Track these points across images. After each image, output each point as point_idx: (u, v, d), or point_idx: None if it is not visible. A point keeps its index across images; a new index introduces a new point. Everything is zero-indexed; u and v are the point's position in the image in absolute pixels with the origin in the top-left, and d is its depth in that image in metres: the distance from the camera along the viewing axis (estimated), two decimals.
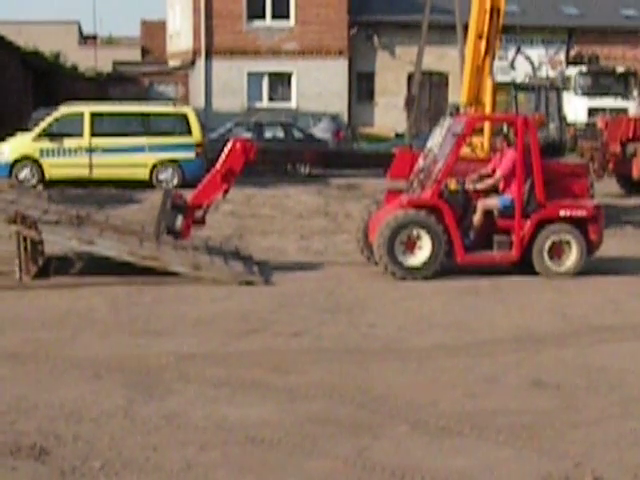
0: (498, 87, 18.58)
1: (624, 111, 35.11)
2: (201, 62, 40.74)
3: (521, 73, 38.60)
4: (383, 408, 7.77)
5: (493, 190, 13.85)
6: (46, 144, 23.93)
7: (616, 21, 44.13)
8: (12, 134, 25.58)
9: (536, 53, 42.01)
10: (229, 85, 40.77)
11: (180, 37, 43.84)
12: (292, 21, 41.10)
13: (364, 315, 11.24)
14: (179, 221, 13.72)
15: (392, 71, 42.35)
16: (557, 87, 23.42)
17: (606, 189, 23.47)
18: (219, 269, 13.19)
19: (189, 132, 24.42)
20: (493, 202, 13.64)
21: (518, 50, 38.22)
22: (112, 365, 8.91)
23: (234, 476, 6.39)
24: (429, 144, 14.74)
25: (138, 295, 12.14)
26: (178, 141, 24.32)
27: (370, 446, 6.89)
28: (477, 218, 13.60)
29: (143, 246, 13.32)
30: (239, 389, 8.22)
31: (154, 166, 24.22)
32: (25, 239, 12.68)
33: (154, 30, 59.15)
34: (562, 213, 13.54)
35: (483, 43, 17.40)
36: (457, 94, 21.64)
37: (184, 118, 24.64)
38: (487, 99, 17.45)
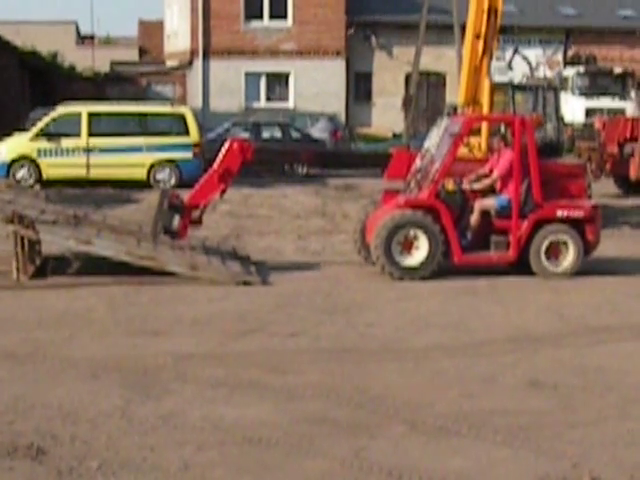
0: (496, 87, 18.58)
1: (621, 111, 35.13)
2: (199, 62, 40.72)
3: (519, 73, 38.55)
4: (380, 408, 7.77)
5: (490, 190, 13.85)
6: (43, 144, 23.92)
7: (613, 21, 44.14)
8: (9, 134, 25.57)
9: (534, 53, 42.01)
10: (227, 85, 40.76)
11: (178, 37, 43.82)
12: (290, 21, 41.09)
13: (361, 315, 11.24)
14: (176, 221, 13.72)
15: (390, 71, 42.35)
16: (555, 87, 23.41)
17: (603, 189, 23.50)
18: (216, 269, 13.19)
19: (186, 132, 24.42)
20: (490, 202, 13.65)
21: (516, 50, 38.21)
22: (109, 365, 8.90)
23: (231, 476, 6.39)
24: (426, 144, 14.74)
25: (135, 295, 12.14)
26: (176, 141, 24.31)
27: (367, 446, 6.89)
28: (474, 218, 13.61)
29: (140, 246, 13.32)
30: (236, 389, 8.22)
31: (152, 166, 24.22)
32: (22, 239, 12.68)
33: (152, 30, 59.11)
34: (559, 213, 13.55)
35: (481, 43, 17.39)
36: (455, 94, 21.67)
37: (182, 118, 24.64)
38: (485, 99, 17.45)
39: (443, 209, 13.34)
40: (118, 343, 9.82)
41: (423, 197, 13.47)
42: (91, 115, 24.27)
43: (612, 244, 16.19)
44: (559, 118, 21.88)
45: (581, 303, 12.11)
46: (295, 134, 29.32)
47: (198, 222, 14.17)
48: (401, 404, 7.88)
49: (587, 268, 13.75)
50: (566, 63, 41.91)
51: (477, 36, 17.42)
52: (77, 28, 63.35)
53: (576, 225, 13.56)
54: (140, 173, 24.14)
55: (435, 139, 14.40)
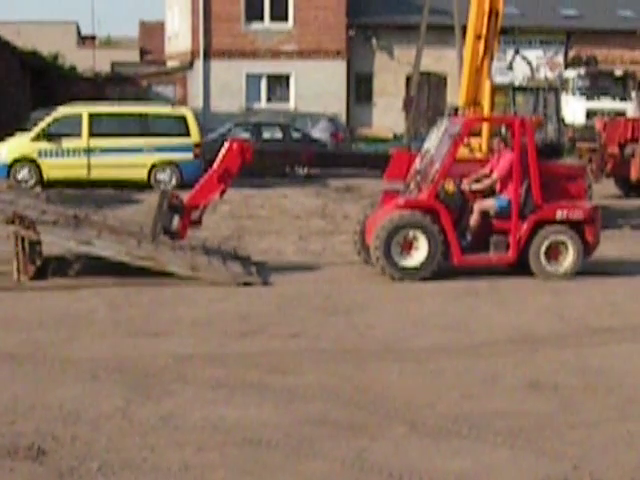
0: (496, 89, 18.58)
1: (622, 113, 35.10)
2: (199, 63, 40.72)
3: (519, 75, 38.55)
4: (381, 409, 7.77)
5: (490, 191, 13.85)
6: (44, 145, 23.92)
7: (614, 23, 44.13)
8: (10, 135, 25.57)
9: (534, 55, 41.96)
10: (227, 86, 40.75)
11: (178, 38, 43.82)
12: (290, 23, 41.10)
13: (362, 316, 11.24)
14: (176, 222, 13.72)
15: (390, 72, 42.35)
16: (555, 89, 23.39)
17: (604, 190, 23.50)
18: (217, 270, 13.19)
19: (187, 133, 24.43)
20: (490, 203, 13.64)
21: (516, 52, 38.12)
22: (110, 366, 8.90)
23: (232, 477, 6.39)
24: (426, 145, 14.74)
25: (136, 296, 12.14)
26: (176, 142, 24.31)
27: (368, 447, 6.89)
28: (474, 219, 13.60)
29: (141, 247, 13.31)
30: (237, 390, 8.22)
31: (152, 167, 24.22)
32: (23, 240, 12.68)
33: (152, 31, 59.22)
34: (559, 215, 13.55)
35: (481, 44, 17.40)
36: (455, 95, 21.66)
37: (182, 119, 24.64)
38: (485, 100, 17.45)
39: (443, 210, 13.34)
40: (119, 344, 9.81)
41: (422, 198, 13.47)
42: (92, 116, 24.27)
43: (613, 245, 16.19)
44: (560, 119, 21.87)
45: (582, 304, 12.11)
46: (296, 135, 29.31)
47: (198, 223, 14.17)
48: (401, 405, 7.88)
49: (588, 269, 13.75)
50: (567, 64, 41.91)
51: (478, 37, 17.43)
52: (78, 29, 63.46)
53: (576, 226, 13.56)
54: (141, 174, 24.14)
55: (435, 140, 14.40)
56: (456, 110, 17.99)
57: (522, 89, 23.57)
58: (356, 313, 11.39)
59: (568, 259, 13.52)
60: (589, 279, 13.53)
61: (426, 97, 41.11)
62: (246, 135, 27.83)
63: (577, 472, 6.52)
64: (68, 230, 13.29)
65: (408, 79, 38.21)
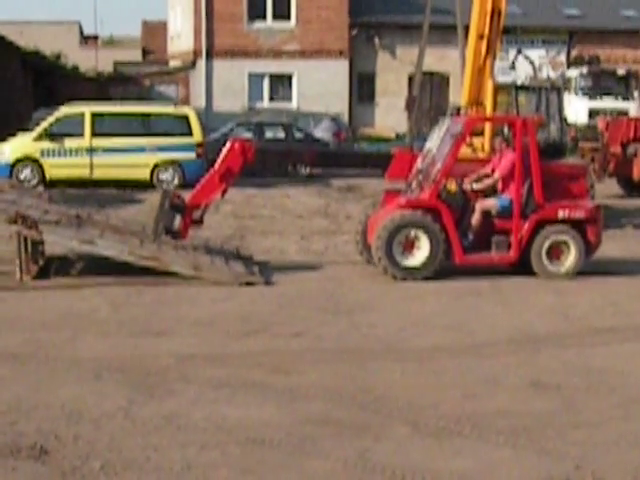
0: (499, 88, 18.58)
1: (625, 112, 35.10)
2: (202, 63, 40.75)
3: (522, 74, 38.53)
4: (383, 409, 7.77)
5: (492, 191, 13.85)
6: (47, 144, 23.93)
7: (617, 22, 44.13)
8: (13, 134, 25.58)
9: (537, 54, 41.97)
10: (230, 86, 40.77)
11: (181, 38, 43.85)
12: (293, 22, 41.11)
13: (364, 316, 11.24)
14: (177, 221, 13.73)
15: (393, 72, 42.36)
16: (558, 88, 23.35)
17: (607, 190, 23.49)
18: (219, 270, 13.19)
19: (190, 133, 24.42)
20: (491, 203, 13.64)
21: (519, 51, 38.18)
22: (112, 366, 8.91)
23: (234, 476, 6.39)
24: (428, 145, 14.74)
25: (138, 296, 12.15)
26: (179, 142, 24.31)
27: (370, 447, 6.89)
28: (475, 219, 13.60)
29: (143, 246, 13.31)
30: (239, 390, 8.23)
31: (155, 166, 24.23)
32: (25, 239, 12.69)
33: (155, 31, 59.22)
34: (560, 214, 13.54)
35: (484, 44, 17.40)
36: (458, 95, 21.64)
37: (185, 119, 24.64)
38: (488, 100, 17.45)
39: (444, 209, 13.33)
40: (121, 343, 9.82)
41: (424, 198, 13.46)
42: (94, 115, 24.27)
43: (615, 245, 16.19)
44: (562, 119, 21.85)
45: (584, 304, 12.11)
46: (298, 134, 29.31)
47: (199, 222, 14.17)
48: (404, 405, 7.89)
49: (590, 269, 13.75)
50: (569, 64, 41.89)
51: (480, 37, 17.43)
52: (80, 28, 63.48)
53: (577, 226, 13.55)
54: (143, 173, 24.15)
55: (437, 139, 14.40)
56: (458, 110, 17.99)
57: (524, 89, 23.53)
58: (358, 313, 11.40)
59: (570, 259, 13.52)
60: (591, 279, 13.52)
61: (428, 97, 41.10)
62: (248, 135, 27.83)
63: (579, 472, 6.52)
64: (71, 230, 13.30)
65: (410, 79, 38.23)
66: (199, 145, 24.42)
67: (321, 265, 14.56)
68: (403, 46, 41.58)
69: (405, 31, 40.72)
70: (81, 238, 12.99)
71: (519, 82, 29.42)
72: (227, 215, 19.58)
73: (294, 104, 41.19)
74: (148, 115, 25.03)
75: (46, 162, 23.88)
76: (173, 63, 45.15)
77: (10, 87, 34.18)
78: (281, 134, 29.18)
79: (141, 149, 24.11)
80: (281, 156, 24.22)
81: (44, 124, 24.29)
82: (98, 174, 24.03)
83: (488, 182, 13.83)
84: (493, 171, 13.99)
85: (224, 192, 14.28)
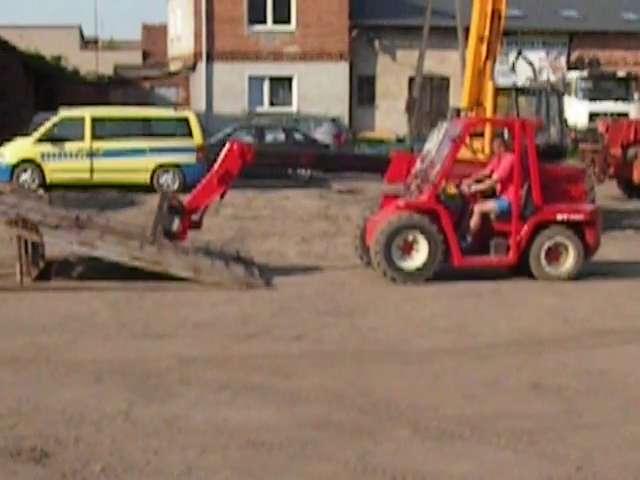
0: (499, 91, 18.60)
1: (625, 115, 35.12)
2: (202, 66, 40.73)
3: (522, 77, 38.53)
4: (384, 412, 7.77)
5: (491, 193, 13.84)
6: (47, 148, 23.92)
7: (617, 25, 44.12)
8: (13, 138, 25.58)
9: (537, 57, 41.93)
10: (230, 89, 40.76)
11: (181, 41, 43.86)
12: (293, 25, 41.10)
13: (365, 318, 11.24)
14: (176, 223, 13.73)
15: (393, 74, 42.35)
16: (558, 91, 23.37)
17: (607, 192, 23.49)
18: (220, 272, 13.19)
19: (190, 136, 24.41)
20: (490, 205, 13.64)
21: (519, 54, 38.13)
22: (113, 368, 8.91)
23: (235, 479, 6.38)
24: (426, 147, 14.74)
25: (139, 298, 12.14)
26: (179, 145, 24.30)
27: (371, 450, 6.89)
28: (474, 221, 13.59)
29: (144, 249, 13.32)
30: (240, 393, 8.22)
31: (155, 170, 24.21)
32: (26, 242, 12.69)
33: (155, 34, 59.28)
34: (559, 217, 13.55)
35: (484, 46, 17.42)
36: (458, 97, 21.66)
37: (185, 122, 24.62)
38: (488, 103, 17.47)
39: (443, 212, 13.33)
40: (122, 346, 9.82)
41: (423, 200, 13.46)
42: (94, 119, 24.26)
43: (616, 247, 16.19)
44: (563, 121, 21.86)
45: (585, 306, 12.11)
46: (299, 137, 29.30)
47: (198, 224, 14.17)
48: (405, 407, 7.88)
49: (591, 271, 13.76)
50: (569, 66, 41.90)
51: (481, 39, 17.45)
52: (81, 32, 63.51)
53: (576, 228, 13.56)
54: (144, 177, 24.13)
55: (435, 142, 14.40)
56: (458, 112, 18.00)
57: (525, 91, 23.55)
58: (359, 315, 11.39)
59: (569, 261, 13.52)
60: (592, 281, 13.53)
61: (429, 99, 41.10)
62: (249, 138, 27.83)
63: (580, 474, 6.51)
64: (71, 233, 13.30)
65: (411, 81, 38.24)
66: (199, 148, 24.40)
67: (321, 268, 14.56)
68: (403, 49, 41.57)
69: (405, 34, 40.72)
70: (81, 241, 12.99)
71: (519, 85, 29.45)
72: (228, 218, 19.58)
73: (294, 107, 41.17)
74: (148, 118, 25.02)
75: (46, 165, 23.86)
76: (173, 66, 45.16)
77: (11, 90, 34.19)
78: (281, 137, 29.18)
79: (141, 152, 24.09)
80: (281, 159, 24.17)
81: (44, 127, 24.26)
82: (98, 177, 24.02)
83: (487, 183, 13.83)
84: (492, 173, 13.99)
85: (223, 194, 14.28)
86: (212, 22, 40.45)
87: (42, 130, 24.21)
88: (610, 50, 43.02)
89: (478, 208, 13.60)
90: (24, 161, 23.89)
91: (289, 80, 41.44)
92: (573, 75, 39.01)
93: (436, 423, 7.49)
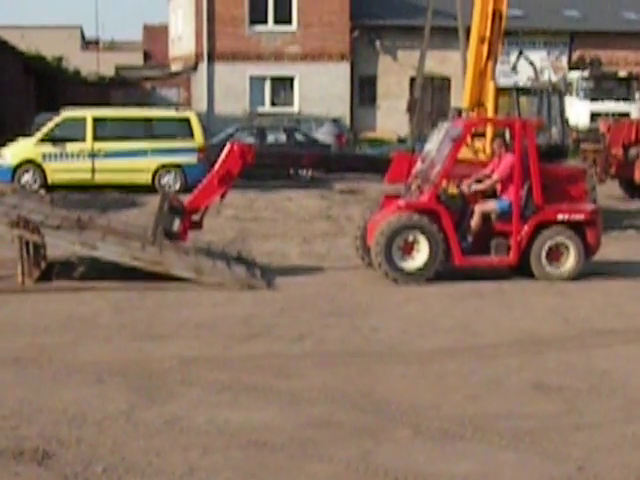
0: (500, 91, 18.59)
1: (626, 115, 35.11)
2: (203, 66, 40.75)
3: (523, 77, 38.51)
4: (385, 412, 7.77)
5: (491, 193, 13.84)
6: (48, 148, 23.94)
7: (618, 24, 44.12)
8: (14, 138, 25.60)
9: (538, 57, 41.84)
10: (231, 89, 40.77)
11: (182, 41, 43.87)
12: (294, 25, 41.11)
13: (367, 319, 11.24)
14: (176, 224, 13.73)
15: (394, 75, 42.35)
16: (559, 91, 23.35)
17: (609, 192, 23.49)
18: (221, 273, 13.19)
19: (191, 136, 24.44)
20: (491, 205, 13.63)
21: (520, 54, 38.08)
22: (115, 369, 8.91)
23: None
24: (427, 147, 14.74)
25: (140, 299, 12.15)
26: (180, 145, 24.32)
27: (373, 450, 6.89)
28: (475, 221, 13.59)
29: (145, 250, 13.32)
30: (241, 393, 8.22)
31: (156, 170, 24.23)
32: (27, 243, 12.69)
33: (156, 34, 59.32)
34: (560, 217, 13.54)
35: (485, 47, 17.42)
36: (459, 98, 21.65)
37: (186, 122, 24.64)
38: (489, 103, 17.47)
39: (443, 212, 13.32)
40: (123, 347, 9.82)
41: (423, 200, 13.45)
42: (96, 119, 24.29)
43: (617, 247, 16.19)
44: (564, 121, 21.85)
45: (587, 306, 12.11)
46: (300, 138, 29.31)
47: (198, 225, 14.18)
48: (406, 407, 7.88)
49: (592, 271, 13.75)
50: (571, 66, 41.88)
51: (482, 39, 17.45)
52: (82, 33, 63.58)
53: (577, 228, 13.55)
54: (145, 177, 24.16)
55: (436, 142, 14.40)
56: (460, 112, 18.00)
57: (526, 91, 23.54)
58: (360, 316, 11.39)
59: (569, 261, 13.52)
60: (594, 281, 13.52)
61: (430, 99, 40.98)
62: (250, 139, 27.83)
63: (582, 474, 6.51)
64: (72, 233, 13.30)
65: (412, 81, 38.23)
66: (201, 149, 24.43)
67: (323, 268, 14.56)
68: (404, 49, 41.58)
69: (406, 34, 40.72)
70: (83, 242, 12.99)
71: (520, 85, 29.44)
72: (229, 218, 19.58)
73: (295, 107, 41.19)
74: (150, 119, 25.04)
75: (48, 166, 23.89)
76: (174, 67, 45.18)
77: (12, 91, 34.20)
78: (283, 137, 29.18)
79: (143, 153, 24.12)
80: (283, 159, 24.17)
81: (46, 128, 24.30)
82: (100, 178, 24.04)
83: (486, 184, 13.82)
84: (492, 173, 13.99)
85: (223, 195, 14.29)
86: (213, 22, 40.46)
87: (44, 131, 24.23)
88: (611, 50, 43.01)
89: (479, 208, 13.59)
90: (26, 162, 23.91)
91: (290, 80, 41.46)
92: (574, 75, 39.00)
93: (438, 423, 7.49)
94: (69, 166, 23.90)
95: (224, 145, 15.70)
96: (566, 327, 11.00)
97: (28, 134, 25.69)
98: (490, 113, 17.42)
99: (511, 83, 28.67)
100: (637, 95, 38.17)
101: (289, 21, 41.11)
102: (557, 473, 6.51)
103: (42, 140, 24.03)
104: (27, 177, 23.86)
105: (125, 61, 55.72)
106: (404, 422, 7.52)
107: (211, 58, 40.70)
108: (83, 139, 23.96)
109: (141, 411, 7.72)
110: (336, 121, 35.15)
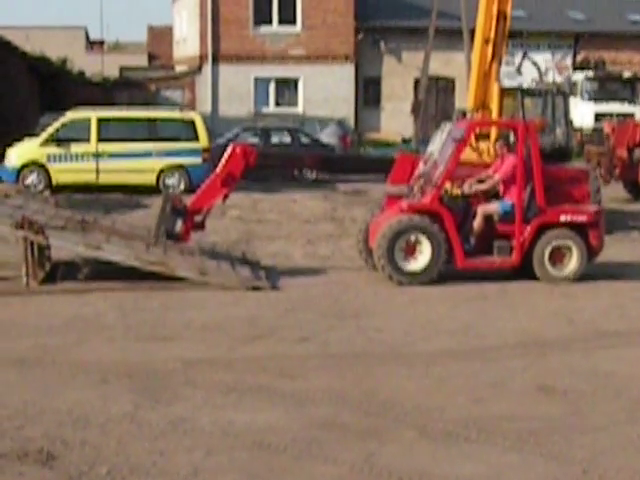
0: (505, 92, 18.58)
1: (631, 116, 35.07)
2: (208, 67, 40.79)
3: (528, 78, 38.52)
4: (390, 413, 7.77)
5: (493, 195, 13.82)
6: (53, 149, 23.95)
7: (623, 26, 44.12)
8: (19, 139, 25.61)
9: (543, 58, 41.93)
10: (236, 90, 40.80)
11: (187, 42, 43.91)
12: (299, 27, 41.13)
13: (371, 320, 11.24)
14: (179, 225, 13.74)
15: (399, 76, 42.36)
16: (564, 92, 23.36)
17: (613, 194, 23.46)
18: (226, 274, 13.20)
19: (196, 137, 24.43)
20: (493, 207, 13.62)
21: (525, 55, 38.14)
22: (119, 370, 8.91)
23: None
24: (430, 149, 14.75)
25: (145, 300, 12.15)
26: (185, 146, 24.33)
27: (377, 451, 6.89)
28: (477, 223, 13.58)
29: (150, 251, 13.33)
30: (246, 394, 8.23)
31: (161, 171, 24.23)
32: (32, 244, 12.70)
33: (161, 36, 59.33)
34: (562, 218, 13.52)
35: (490, 48, 17.41)
36: (464, 99, 21.67)
37: (191, 123, 24.64)
38: (494, 104, 17.46)
39: (446, 214, 13.31)
40: (128, 348, 9.83)
41: (425, 202, 13.44)
42: (100, 121, 24.29)
43: (621, 249, 16.18)
44: (568, 123, 21.85)
45: (591, 308, 12.10)
46: (304, 139, 29.31)
47: (201, 226, 14.19)
48: (410, 409, 7.88)
49: (596, 273, 13.74)
50: (575, 68, 41.87)
51: (486, 41, 17.44)
52: (86, 34, 63.65)
53: (579, 230, 13.53)
54: (149, 178, 24.16)
55: (439, 143, 14.40)
56: (464, 114, 18.00)
57: (530, 92, 23.55)
58: (364, 317, 11.39)
59: (572, 263, 13.50)
60: (598, 283, 13.51)
61: (434, 101, 41.13)
62: (254, 140, 27.84)
63: (586, 476, 6.51)
64: (77, 235, 13.32)
65: (416, 83, 38.27)
66: (205, 150, 24.42)
67: (327, 270, 14.56)
68: (409, 50, 41.58)
69: (411, 35, 40.73)
70: (87, 243, 13.01)
71: (525, 86, 29.44)
72: (233, 219, 19.58)
73: (300, 109, 41.21)
74: (154, 120, 25.03)
75: (52, 167, 23.89)
76: (179, 68, 45.22)
77: (16, 92, 34.21)
78: (287, 139, 29.19)
79: (147, 154, 24.12)
80: (287, 161, 24.27)
81: (50, 129, 24.30)
82: (104, 179, 24.05)
83: (487, 184, 13.80)
84: (494, 174, 13.97)
85: (226, 197, 14.30)
86: (217, 24, 40.50)
87: (48, 132, 24.24)
88: (616, 51, 43.00)
89: (481, 210, 13.59)
90: (30, 163, 23.92)
91: (295, 82, 41.49)
92: (579, 76, 38.98)
93: (442, 425, 7.48)
94: (73, 167, 23.91)
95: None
96: (570, 329, 10.99)
97: (33, 134, 25.70)
98: (495, 114, 17.41)
99: (515, 84, 28.72)
100: None
101: (293, 22, 41.14)
102: (562, 475, 6.51)
103: (47, 141, 24.03)
104: (32, 178, 23.87)
105: (129, 62, 55.81)
106: (408, 423, 7.52)
107: (215, 59, 40.74)
108: (87, 140, 23.97)
109: (145, 412, 7.73)
110: (340, 122, 35.19)
